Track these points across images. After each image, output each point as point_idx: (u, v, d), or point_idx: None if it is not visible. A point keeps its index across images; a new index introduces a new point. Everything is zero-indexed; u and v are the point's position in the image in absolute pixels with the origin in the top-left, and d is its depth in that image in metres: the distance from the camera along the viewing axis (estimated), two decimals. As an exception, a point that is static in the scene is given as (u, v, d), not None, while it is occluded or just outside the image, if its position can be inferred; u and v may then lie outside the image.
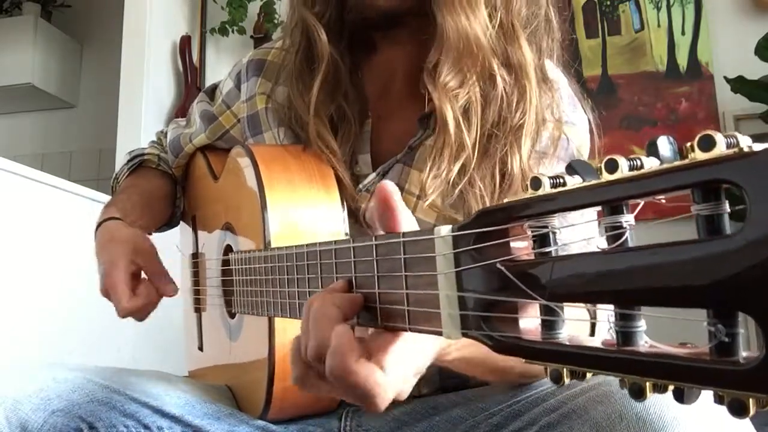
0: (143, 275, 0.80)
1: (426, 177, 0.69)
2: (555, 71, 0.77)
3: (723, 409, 0.49)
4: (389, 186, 0.42)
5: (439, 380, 0.73)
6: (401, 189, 0.72)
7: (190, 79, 2.68)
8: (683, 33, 2.57)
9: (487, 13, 0.69)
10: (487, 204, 0.67)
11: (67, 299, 1.91)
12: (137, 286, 0.78)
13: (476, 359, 0.57)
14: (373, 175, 0.75)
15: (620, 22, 2.65)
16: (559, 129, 0.72)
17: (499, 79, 0.69)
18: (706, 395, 0.48)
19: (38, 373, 0.66)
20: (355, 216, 0.73)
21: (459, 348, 0.55)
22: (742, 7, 2.51)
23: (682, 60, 2.55)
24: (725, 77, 2.32)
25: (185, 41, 2.72)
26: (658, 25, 2.60)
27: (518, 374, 0.63)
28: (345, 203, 0.72)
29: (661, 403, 0.47)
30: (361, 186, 0.74)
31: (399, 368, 0.39)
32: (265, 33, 2.77)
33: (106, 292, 0.79)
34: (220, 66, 2.82)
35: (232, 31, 2.75)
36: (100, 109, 3.26)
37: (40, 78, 3.25)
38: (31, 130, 3.51)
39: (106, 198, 1.04)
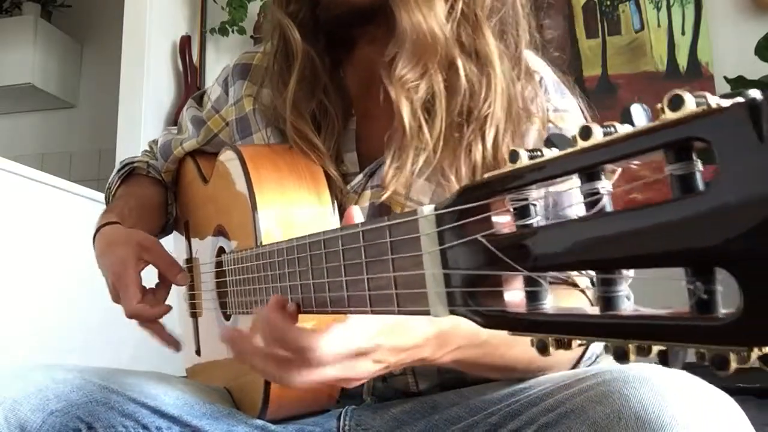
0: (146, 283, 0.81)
1: (387, 168, 0.69)
2: (536, 61, 0.77)
3: (721, 409, 0.49)
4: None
5: (437, 376, 0.73)
6: (387, 189, 0.73)
7: (190, 79, 2.69)
8: (683, 33, 2.56)
9: (449, 4, 0.69)
10: None
11: (67, 299, 1.91)
12: (146, 293, 0.79)
13: (469, 361, 0.58)
14: (361, 176, 0.75)
15: (620, 22, 2.64)
16: (544, 122, 0.72)
17: (461, 70, 0.69)
18: (704, 397, 0.48)
19: (37, 374, 0.66)
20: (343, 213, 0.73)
21: (452, 350, 0.55)
22: (742, 7, 2.51)
23: (682, 60, 2.54)
24: (725, 77, 2.32)
25: (185, 41, 2.72)
26: (658, 25, 2.60)
27: (522, 371, 0.63)
28: (335, 201, 0.72)
29: (659, 403, 0.47)
30: (349, 187, 0.74)
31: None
32: (265, 33, 2.77)
33: (117, 296, 0.79)
34: (220, 66, 2.79)
35: (232, 31, 2.75)
36: (100, 109, 3.26)
37: (40, 78, 3.25)
38: (31, 130, 3.51)
39: (106, 198, 1.04)
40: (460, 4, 0.70)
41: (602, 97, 2.57)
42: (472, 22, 0.71)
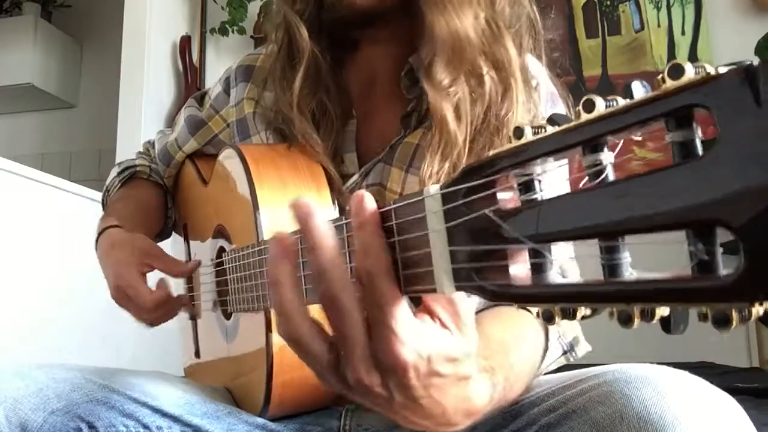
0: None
1: (425, 175, 0.68)
2: (536, 66, 0.77)
3: (723, 409, 0.49)
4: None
5: None
6: (383, 187, 0.73)
7: (190, 79, 2.69)
8: (683, 33, 2.57)
9: (473, 12, 0.69)
10: None
11: (67, 299, 1.91)
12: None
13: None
14: (357, 176, 0.75)
15: (620, 22, 2.65)
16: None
17: (486, 78, 0.69)
18: (707, 397, 0.48)
19: (38, 373, 0.66)
20: (343, 213, 0.73)
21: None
22: (742, 7, 2.51)
23: (682, 60, 2.55)
24: (725, 77, 2.33)
25: (185, 41, 2.72)
26: (658, 25, 2.60)
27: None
28: (335, 200, 0.73)
29: (662, 404, 0.47)
30: (345, 187, 0.75)
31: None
32: (265, 33, 2.77)
33: (121, 295, 0.79)
34: (220, 66, 2.82)
35: (232, 31, 2.75)
36: (100, 109, 3.26)
37: (40, 78, 3.25)
38: (31, 130, 3.51)
39: (106, 198, 1.04)
40: (484, 13, 0.70)
41: (602, 97, 2.57)
42: (496, 32, 0.71)
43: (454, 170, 0.68)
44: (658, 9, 2.61)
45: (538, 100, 0.73)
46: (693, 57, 2.53)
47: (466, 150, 0.68)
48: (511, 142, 0.30)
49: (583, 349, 0.71)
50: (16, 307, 1.77)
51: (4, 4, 3.48)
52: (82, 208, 2.02)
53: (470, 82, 0.70)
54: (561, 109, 0.78)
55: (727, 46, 2.49)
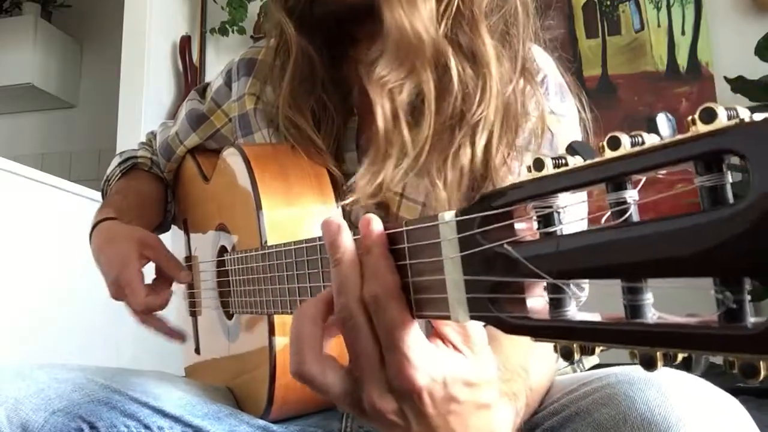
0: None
1: (362, 172, 0.67)
2: (544, 58, 0.75)
3: (727, 411, 0.49)
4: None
5: None
6: (355, 194, 0.72)
7: (190, 79, 2.69)
8: (683, 33, 2.56)
9: (444, 2, 0.67)
10: (445, 197, 0.65)
11: (67, 299, 1.91)
12: (148, 287, 0.80)
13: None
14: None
15: (620, 22, 2.64)
16: (542, 122, 0.69)
17: (454, 70, 0.67)
18: (710, 398, 0.48)
19: (39, 373, 0.65)
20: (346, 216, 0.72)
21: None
22: (742, 7, 2.51)
23: (682, 60, 2.54)
24: (725, 77, 2.32)
25: (185, 41, 2.72)
26: (658, 25, 2.60)
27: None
28: (339, 200, 0.72)
29: (665, 405, 0.47)
30: (345, 188, 0.74)
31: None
32: (265, 33, 2.77)
33: (119, 292, 0.79)
34: (220, 66, 2.79)
35: (232, 31, 2.75)
36: (100, 109, 3.26)
37: (40, 78, 3.25)
38: (31, 130, 3.51)
39: (106, 198, 1.04)
40: (455, 2, 0.67)
41: (602, 97, 2.57)
42: (468, 21, 0.68)
43: (412, 169, 0.66)
44: (658, 9, 2.60)
45: (542, 95, 0.71)
46: (693, 57, 2.53)
47: (428, 147, 0.66)
48: (530, 171, 0.29)
49: (591, 361, 0.71)
50: (16, 307, 1.77)
51: (4, 4, 3.48)
52: (82, 208, 2.02)
53: (436, 74, 0.67)
54: (570, 102, 0.75)
55: (727, 46, 2.49)
